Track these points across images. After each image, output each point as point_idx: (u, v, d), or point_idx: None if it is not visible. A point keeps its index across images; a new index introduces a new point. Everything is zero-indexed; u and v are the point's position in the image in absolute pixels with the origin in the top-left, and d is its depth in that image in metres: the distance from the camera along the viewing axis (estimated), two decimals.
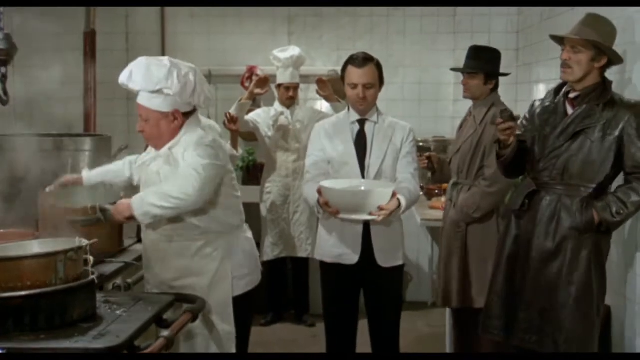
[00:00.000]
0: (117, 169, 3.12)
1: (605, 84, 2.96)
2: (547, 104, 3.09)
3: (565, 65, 2.94)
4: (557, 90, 3.09)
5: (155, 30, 5.68)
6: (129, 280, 2.97)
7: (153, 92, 2.76)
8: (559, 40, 3.02)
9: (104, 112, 4.92)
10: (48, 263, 2.16)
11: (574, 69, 2.91)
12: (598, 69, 2.92)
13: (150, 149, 2.97)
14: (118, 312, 2.30)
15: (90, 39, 4.08)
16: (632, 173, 2.86)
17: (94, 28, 4.10)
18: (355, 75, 3.13)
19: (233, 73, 5.58)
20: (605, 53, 2.90)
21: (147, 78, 2.75)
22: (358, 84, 3.12)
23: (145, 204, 2.69)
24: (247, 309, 3.04)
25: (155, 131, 2.83)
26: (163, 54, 5.65)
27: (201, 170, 2.70)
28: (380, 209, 2.92)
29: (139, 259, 3.09)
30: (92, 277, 2.28)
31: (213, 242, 2.87)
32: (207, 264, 2.86)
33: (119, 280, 2.96)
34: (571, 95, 3.00)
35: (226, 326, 2.90)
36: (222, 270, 2.89)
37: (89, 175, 3.09)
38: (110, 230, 3.06)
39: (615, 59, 2.95)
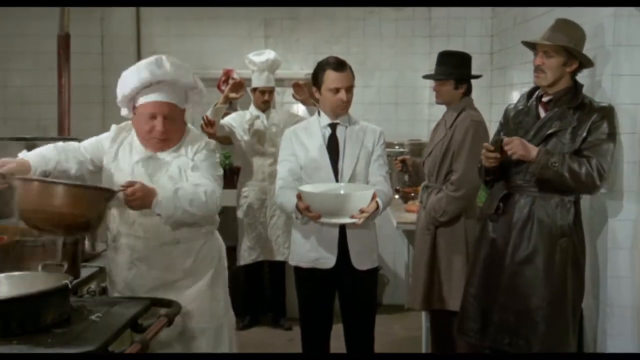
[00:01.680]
0: (60, 162, 2.78)
1: (576, 87, 3.01)
2: (520, 107, 3.13)
3: (538, 70, 2.99)
4: (530, 93, 3.14)
5: (131, 33, 5.64)
6: (104, 285, 2.95)
7: (188, 88, 2.77)
8: (531, 45, 3.06)
9: (79, 115, 4.88)
10: (100, 197, 2.42)
11: (547, 74, 2.97)
12: (569, 73, 2.98)
13: (129, 148, 2.82)
14: (92, 317, 2.27)
15: (64, 42, 4.05)
16: (584, 149, 2.91)
17: (68, 31, 4.06)
18: (337, 79, 3.13)
19: (209, 76, 5.53)
20: (576, 57, 2.95)
21: (185, 73, 2.74)
22: (341, 88, 3.13)
23: (176, 206, 2.60)
24: None
25: (177, 131, 2.80)
26: (139, 57, 5.61)
27: (219, 183, 2.79)
28: (362, 211, 2.94)
29: None
30: (65, 281, 2.26)
31: (210, 239, 2.93)
32: (208, 262, 2.91)
33: (93, 285, 2.94)
34: (544, 99, 3.05)
35: (230, 316, 3.03)
36: (220, 266, 2.97)
37: (30, 160, 2.73)
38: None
39: (586, 63, 3.00)
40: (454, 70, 3.65)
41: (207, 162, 2.80)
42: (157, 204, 2.56)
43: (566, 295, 2.95)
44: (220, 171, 2.87)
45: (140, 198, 2.53)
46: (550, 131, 2.95)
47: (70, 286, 2.27)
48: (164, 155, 2.79)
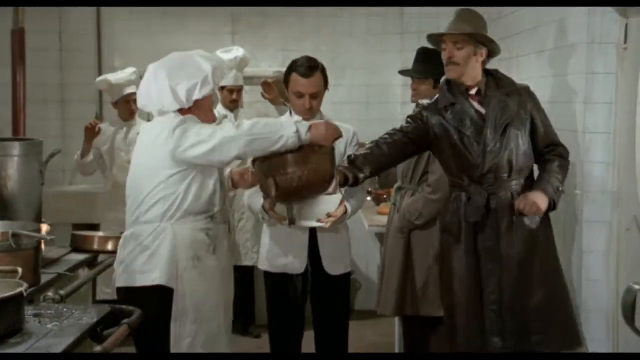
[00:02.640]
0: None
1: (492, 74, 3.00)
2: (449, 104, 3.00)
3: (450, 63, 2.95)
4: (449, 88, 3.04)
5: (92, 29, 5.49)
6: (62, 292, 2.81)
7: None
8: (437, 42, 3.02)
9: (36, 115, 4.73)
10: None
11: (460, 65, 2.94)
12: (481, 63, 2.96)
13: None
14: (49, 326, 2.17)
15: (18, 37, 3.88)
16: (546, 148, 2.96)
17: (23, 27, 3.90)
18: (302, 85, 3.04)
19: None
20: (484, 45, 2.94)
21: None
22: (305, 94, 3.04)
23: None
24: None
25: None
26: (99, 54, 5.48)
27: None
28: (329, 216, 2.91)
29: (73, 269, 2.97)
30: (20, 289, 2.13)
31: None
32: None
33: (51, 293, 2.81)
34: (472, 92, 2.99)
35: None
36: None
37: None
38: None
39: (495, 50, 2.99)
40: (434, 68, 3.58)
41: None
42: None
43: (565, 285, 3.01)
44: None
45: None
46: (504, 123, 2.90)
47: (25, 294, 2.15)
48: None
